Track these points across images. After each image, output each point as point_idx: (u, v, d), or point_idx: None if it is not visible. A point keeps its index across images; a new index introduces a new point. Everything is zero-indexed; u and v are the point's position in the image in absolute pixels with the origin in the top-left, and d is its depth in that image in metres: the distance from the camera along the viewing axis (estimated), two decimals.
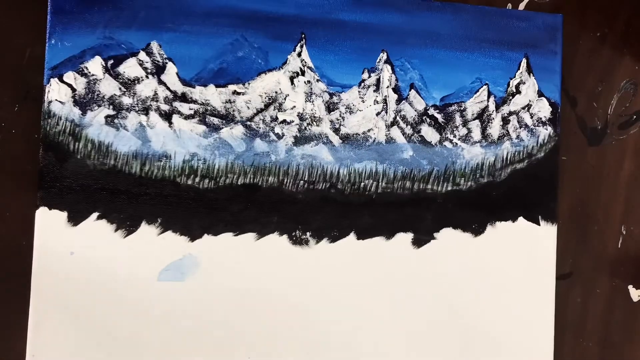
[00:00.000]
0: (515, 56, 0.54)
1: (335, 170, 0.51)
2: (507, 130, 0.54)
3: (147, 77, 0.48)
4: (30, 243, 0.46)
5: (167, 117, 0.49)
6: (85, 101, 0.47)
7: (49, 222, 0.46)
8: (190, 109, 0.49)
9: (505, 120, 0.54)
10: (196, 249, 0.49)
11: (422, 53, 0.53)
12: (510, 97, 0.54)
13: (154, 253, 0.48)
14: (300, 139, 0.51)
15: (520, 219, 0.54)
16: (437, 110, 0.53)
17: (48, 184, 0.46)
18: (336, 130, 0.51)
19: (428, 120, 0.53)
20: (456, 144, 0.53)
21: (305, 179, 0.50)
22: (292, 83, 0.51)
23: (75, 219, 0.47)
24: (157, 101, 0.49)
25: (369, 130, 0.52)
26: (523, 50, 0.54)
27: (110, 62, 0.48)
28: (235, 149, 0.50)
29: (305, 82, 0.51)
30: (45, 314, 0.46)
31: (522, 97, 0.55)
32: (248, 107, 0.50)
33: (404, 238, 0.52)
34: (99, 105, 0.48)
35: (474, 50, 0.54)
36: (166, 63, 0.49)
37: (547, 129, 0.55)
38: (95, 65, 0.48)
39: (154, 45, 0.48)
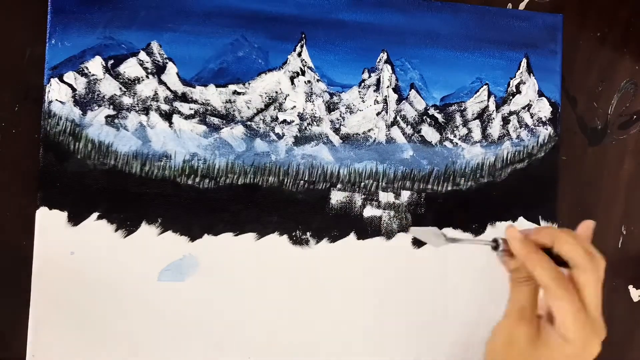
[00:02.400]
0: (516, 56, 0.54)
1: (336, 170, 0.51)
2: (508, 130, 0.54)
3: (147, 77, 0.48)
4: (31, 243, 0.46)
5: (167, 117, 0.49)
6: (85, 101, 0.47)
7: (49, 222, 0.46)
8: (190, 108, 0.49)
9: (505, 120, 0.54)
10: (196, 249, 0.49)
11: (422, 53, 0.53)
12: (511, 97, 0.54)
13: (154, 253, 0.48)
14: (301, 139, 0.51)
15: (521, 218, 0.54)
16: (438, 110, 0.53)
17: (48, 184, 0.46)
18: (336, 130, 0.51)
19: (428, 120, 0.53)
20: (456, 143, 0.53)
21: (306, 179, 0.50)
22: (292, 83, 0.51)
23: (75, 219, 0.47)
24: (157, 101, 0.48)
25: (369, 130, 0.52)
26: (523, 50, 0.54)
27: (111, 62, 0.48)
28: (235, 149, 0.50)
29: (305, 82, 0.51)
30: (45, 314, 0.46)
31: (523, 97, 0.55)
32: (248, 107, 0.50)
33: (404, 238, 0.52)
34: (99, 105, 0.48)
35: (474, 50, 0.54)
36: (166, 63, 0.49)
37: (547, 129, 0.55)
38: (95, 65, 0.48)
39: (154, 45, 0.48)
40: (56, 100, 0.47)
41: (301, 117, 0.51)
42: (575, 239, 0.39)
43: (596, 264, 0.38)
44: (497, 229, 0.53)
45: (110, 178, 0.47)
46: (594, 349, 0.37)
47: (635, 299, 0.58)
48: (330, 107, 0.51)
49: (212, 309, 0.49)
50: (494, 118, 0.54)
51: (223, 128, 0.49)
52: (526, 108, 0.55)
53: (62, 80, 0.47)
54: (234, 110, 0.50)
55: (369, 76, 0.52)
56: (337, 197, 0.51)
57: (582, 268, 0.38)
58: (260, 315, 0.49)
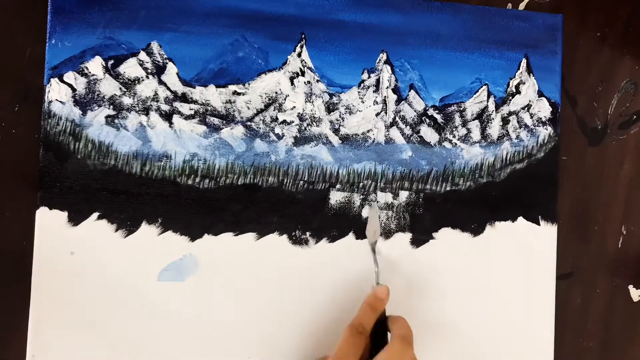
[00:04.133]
0: (515, 56, 0.54)
1: (335, 170, 0.51)
2: (507, 131, 0.54)
3: (147, 77, 0.48)
4: (31, 243, 0.46)
5: (167, 117, 0.49)
6: (85, 101, 0.47)
7: (49, 222, 0.46)
8: (190, 109, 0.49)
9: (505, 121, 0.54)
10: (196, 249, 0.49)
11: (422, 53, 0.53)
12: (510, 97, 0.54)
13: (154, 253, 0.48)
14: (300, 140, 0.51)
15: (520, 219, 0.54)
16: (437, 111, 0.53)
17: (48, 184, 0.46)
18: (336, 131, 0.51)
19: (427, 120, 0.53)
20: (455, 144, 0.53)
21: (305, 179, 0.51)
22: (292, 83, 0.51)
23: (75, 219, 0.47)
24: (157, 101, 0.49)
25: (368, 131, 0.52)
26: (523, 50, 0.54)
27: (111, 62, 0.48)
28: (235, 149, 0.50)
29: (305, 82, 0.51)
30: (45, 314, 0.46)
31: (522, 97, 0.54)
32: (248, 108, 0.50)
33: (403, 238, 0.52)
34: (99, 105, 0.48)
35: (474, 50, 0.54)
36: (166, 63, 0.49)
37: (547, 129, 0.55)
38: (95, 65, 0.48)
39: (154, 46, 0.48)
40: (56, 100, 0.47)
41: (301, 117, 0.51)
42: (406, 326, 0.46)
43: (402, 348, 0.44)
44: (496, 229, 0.53)
45: (110, 178, 0.48)
46: None
47: (635, 299, 0.58)
48: (330, 108, 0.51)
49: (212, 309, 0.49)
50: (493, 118, 0.54)
51: (223, 128, 0.49)
52: (526, 108, 0.55)
53: (62, 80, 0.47)
54: (234, 111, 0.50)
55: (369, 77, 0.52)
56: (336, 197, 0.51)
57: (391, 344, 0.44)
58: (260, 315, 0.49)
